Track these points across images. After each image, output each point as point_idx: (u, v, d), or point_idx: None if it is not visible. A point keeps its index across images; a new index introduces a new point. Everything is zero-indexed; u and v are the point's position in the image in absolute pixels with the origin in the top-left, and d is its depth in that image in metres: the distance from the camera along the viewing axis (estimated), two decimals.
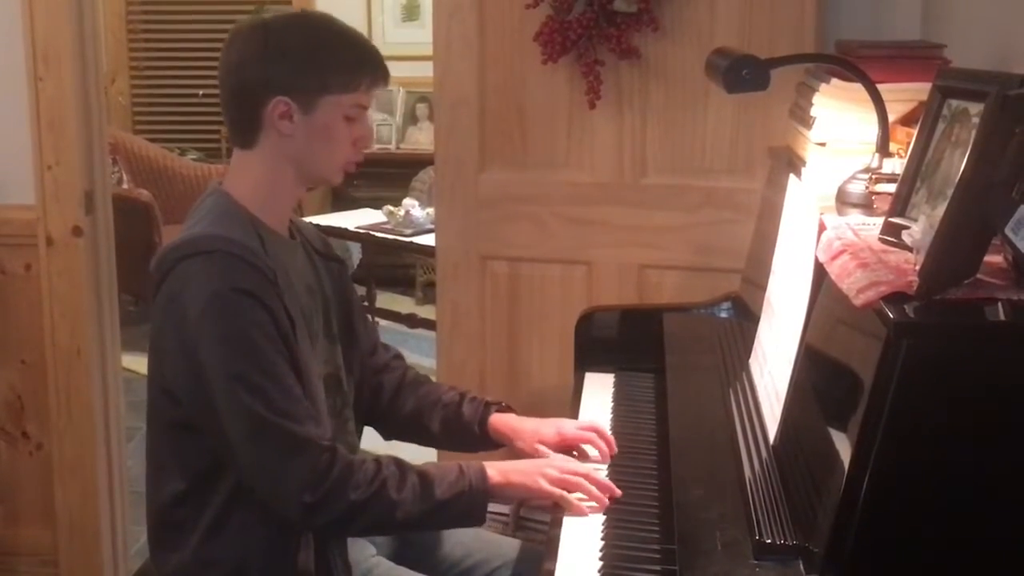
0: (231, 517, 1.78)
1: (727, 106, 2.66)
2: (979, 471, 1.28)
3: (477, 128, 2.85)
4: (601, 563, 1.61)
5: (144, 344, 1.82)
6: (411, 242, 5.25)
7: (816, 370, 1.61)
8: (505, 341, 2.92)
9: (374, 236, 5.41)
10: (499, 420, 2.01)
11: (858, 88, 1.96)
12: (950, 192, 1.39)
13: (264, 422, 1.68)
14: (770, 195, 2.29)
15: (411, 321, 5.41)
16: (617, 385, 2.28)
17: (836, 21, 2.73)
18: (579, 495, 1.77)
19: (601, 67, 2.69)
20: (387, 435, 2.12)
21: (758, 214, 2.42)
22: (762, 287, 2.03)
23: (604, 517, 1.74)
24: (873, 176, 1.86)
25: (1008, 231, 1.32)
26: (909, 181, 1.66)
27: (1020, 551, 1.29)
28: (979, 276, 1.40)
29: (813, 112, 2.09)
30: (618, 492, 1.78)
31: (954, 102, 1.62)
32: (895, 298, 1.35)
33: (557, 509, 1.77)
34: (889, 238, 1.58)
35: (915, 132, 1.70)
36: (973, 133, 1.44)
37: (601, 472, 1.87)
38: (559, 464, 1.83)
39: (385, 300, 6.02)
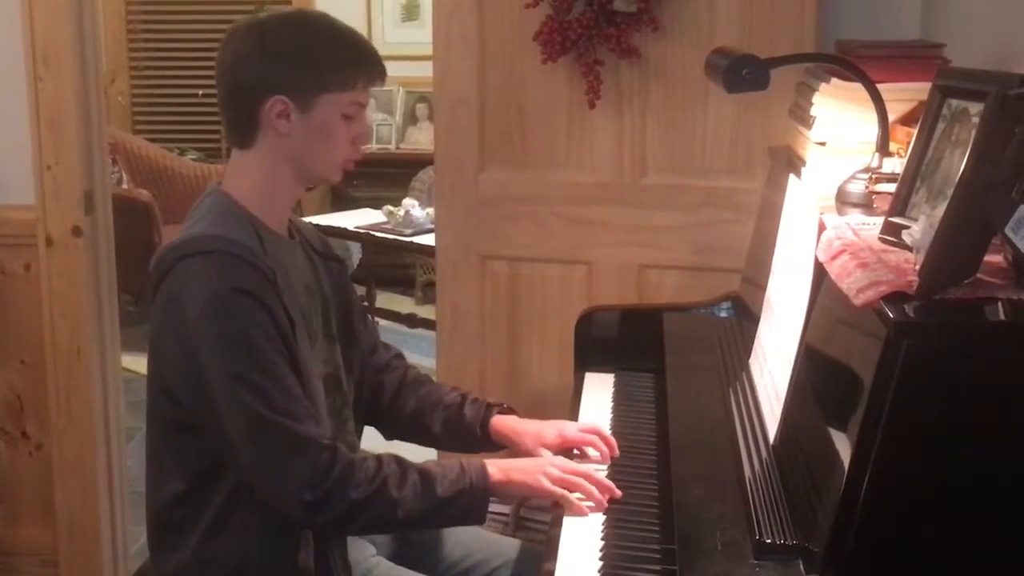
0: (231, 517, 1.78)
1: (727, 106, 2.66)
2: (979, 471, 1.28)
3: (477, 128, 2.85)
4: (601, 563, 1.61)
5: (144, 344, 1.82)
6: (411, 242, 5.25)
7: (816, 370, 1.61)
8: (505, 341, 2.92)
9: (374, 236, 5.41)
10: (501, 422, 2.01)
11: (858, 88, 1.95)
12: (950, 192, 1.39)
13: (264, 421, 1.68)
14: (770, 195, 2.29)
15: (411, 321, 5.41)
16: (617, 385, 2.28)
17: (836, 21, 2.73)
18: (579, 495, 1.77)
19: (601, 67, 2.69)
20: (388, 435, 2.12)
21: (758, 214, 2.42)
22: (762, 287, 2.03)
23: (604, 517, 1.74)
24: (873, 176, 1.86)
25: (1008, 231, 1.32)
26: (909, 181, 1.66)
27: (1020, 551, 1.29)
28: (979, 276, 1.40)
29: (813, 112, 2.09)
30: (618, 493, 1.78)
31: (954, 102, 1.62)
32: (895, 298, 1.35)
33: (557, 508, 1.77)
34: (889, 238, 1.58)
35: (915, 132, 1.70)
36: (973, 133, 1.44)
37: (601, 472, 1.87)
38: (560, 463, 1.83)
39: (385, 300, 6.02)
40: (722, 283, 2.48)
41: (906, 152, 1.74)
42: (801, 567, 1.39)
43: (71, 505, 3.05)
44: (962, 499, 1.29)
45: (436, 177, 2.96)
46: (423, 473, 1.75)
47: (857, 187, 1.88)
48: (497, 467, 1.79)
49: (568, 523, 1.73)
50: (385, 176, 6.36)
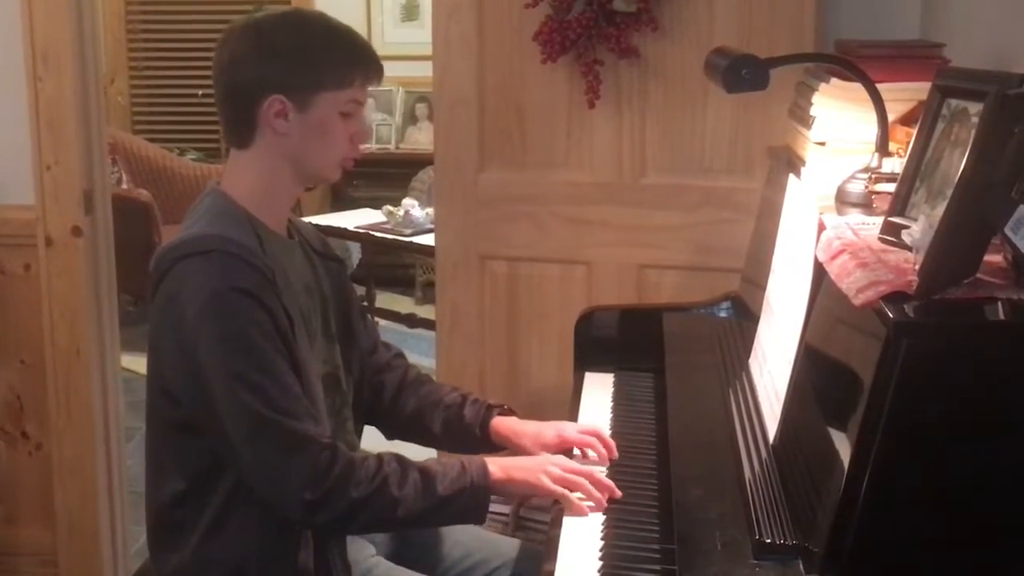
0: (230, 517, 1.78)
1: (726, 106, 2.66)
2: (979, 470, 1.28)
3: (476, 128, 2.85)
4: (601, 563, 1.61)
5: (143, 344, 1.82)
6: (410, 242, 5.25)
7: (816, 370, 1.61)
8: (504, 341, 2.92)
9: (373, 236, 5.41)
10: (501, 423, 2.01)
11: (857, 88, 1.96)
12: (949, 192, 1.39)
13: (264, 420, 1.68)
14: (769, 195, 2.29)
15: (410, 321, 5.41)
16: (617, 385, 2.28)
17: (835, 20, 2.73)
18: (579, 495, 1.77)
19: (600, 67, 2.69)
20: (389, 435, 2.12)
21: (757, 214, 2.42)
22: (762, 287, 2.03)
23: (604, 517, 1.74)
24: (872, 176, 1.86)
25: (1008, 230, 1.32)
26: (908, 181, 1.66)
27: (1020, 550, 1.29)
28: (979, 275, 1.40)
29: (812, 112, 2.09)
30: (618, 493, 1.78)
31: (953, 101, 1.62)
32: (895, 297, 1.35)
33: (557, 508, 1.77)
34: (888, 238, 1.58)
35: (914, 132, 1.70)
36: (972, 132, 1.44)
37: (601, 472, 1.87)
38: (561, 462, 1.83)
39: (385, 300, 6.02)
40: (722, 283, 2.48)
41: (906, 152, 1.74)
42: (801, 567, 1.39)
43: (71, 505, 3.05)
44: (962, 499, 1.29)
45: (436, 177, 2.96)
46: (424, 471, 1.75)
47: (857, 187, 1.88)
48: (498, 465, 1.79)
49: (568, 523, 1.73)
50: (385, 176, 6.36)
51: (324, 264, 1.98)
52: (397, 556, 1.97)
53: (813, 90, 2.11)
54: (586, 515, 1.74)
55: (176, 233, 1.82)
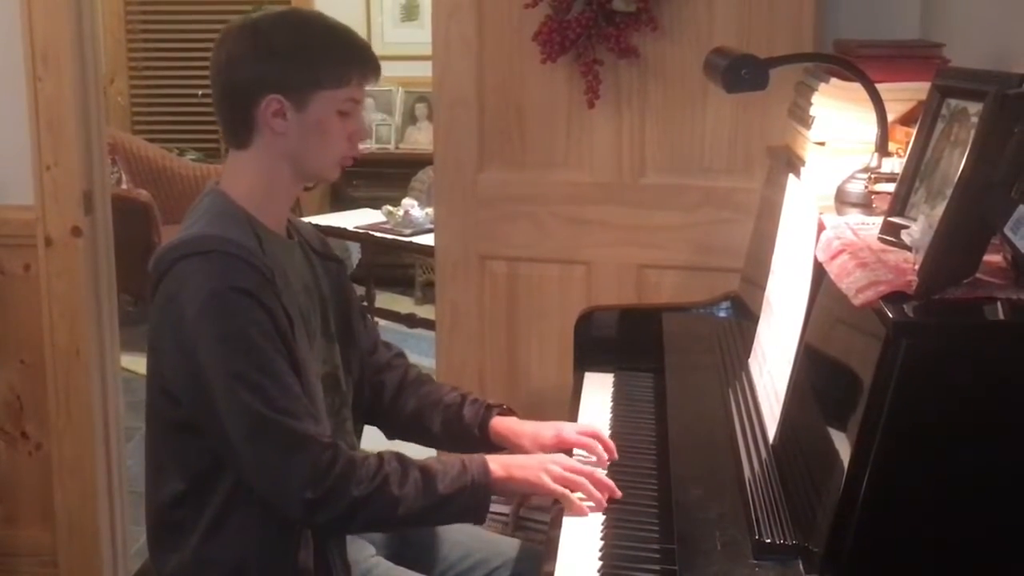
0: (230, 517, 1.78)
1: (726, 106, 2.66)
2: (978, 470, 1.28)
3: (476, 128, 2.85)
4: (601, 563, 1.61)
5: (143, 344, 1.82)
6: (410, 242, 5.25)
7: (815, 370, 1.61)
8: (504, 341, 2.92)
9: (373, 236, 5.41)
10: (499, 423, 2.01)
11: (857, 87, 1.96)
12: (949, 191, 1.39)
13: (264, 420, 1.68)
14: (769, 195, 2.29)
15: (410, 321, 5.41)
16: (616, 385, 2.28)
17: (835, 20, 2.73)
18: (579, 495, 1.77)
19: (600, 67, 2.69)
20: (389, 435, 2.12)
21: (757, 214, 2.42)
22: (761, 287, 2.03)
23: (604, 517, 1.74)
24: (872, 176, 1.86)
25: (1007, 230, 1.32)
26: (908, 181, 1.66)
27: (1020, 550, 1.29)
28: (978, 275, 1.40)
29: (812, 111, 2.09)
30: (618, 493, 1.78)
31: (953, 101, 1.62)
32: (894, 297, 1.35)
33: (556, 508, 1.77)
34: (888, 237, 1.58)
35: (914, 131, 1.70)
36: (972, 132, 1.44)
37: (601, 472, 1.86)
38: (562, 461, 1.83)
39: (384, 300, 6.02)
40: (721, 283, 2.48)
41: (905, 152, 1.74)
42: (800, 567, 1.39)
43: (70, 505, 3.05)
44: (961, 499, 1.29)
45: (435, 177, 2.96)
46: (424, 470, 1.75)
47: (856, 187, 1.88)
48: (499, 464, 1.79)
49: (568, 523, 1.73)
50: (384, 176, 6.36)
51: (323, 264, 1.98)
52: (397, 556, 1.97)
53: (813, 90, 2.11)
54: (586, 515, 1.74)
55: (176, 233, 1.82)
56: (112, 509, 3.11)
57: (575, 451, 1.94)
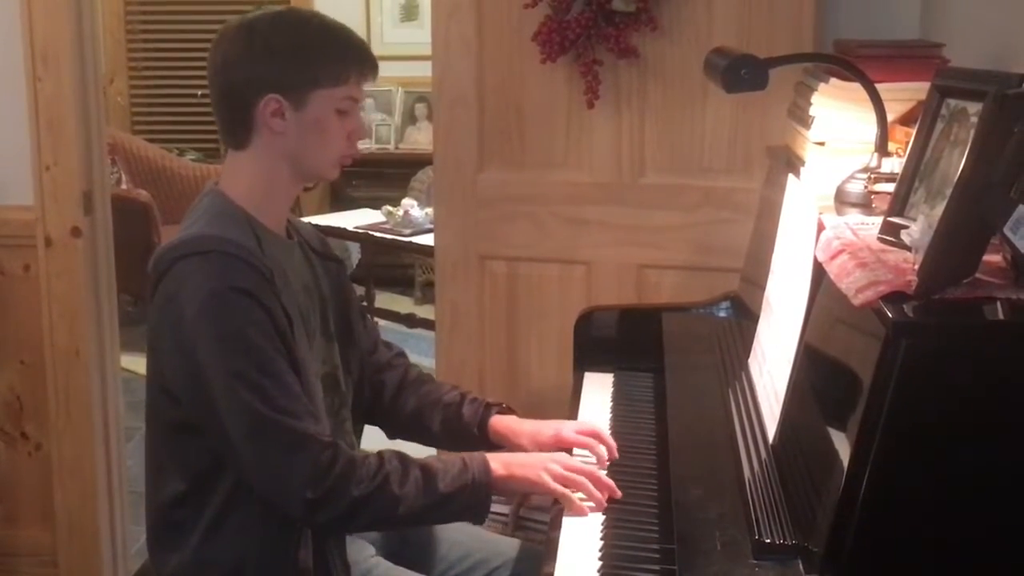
0: (230, 517, 1.78)
1: (726, 106, 2.66)
2: (978, 470, 1.28)
3: (476, 128, 2.85)
4: (600, 563, 1.61)
5: (143, 344, 1.82)
6: (410, 242, 5.25)
7: (815, 370, 1.61)
8: (504, 341, 2.92)
9: (373, 236, 5.41)
10: (499, 422, 2.01)
11: (857, 87, 1.96)
12: (949, 191, 1.39)
13: (264, 419, 1.68)
14: (769, 194, 2.29)
15: (410, 321, 5.42)
16: (616, 385, 2.28)
17: (835, 20, 2.73)
18: (580, 494, 1.77)
19: (599, 67, 2.69)
20: (390, 434, 2.12)
21: (757, 214, 2.42)
22: (761, 287, 2.03)
23: (603, 517, 1.74)
24: (872, 175, 1.86)
25: (1007, 230, 1.32)
26: (908, 180, 1.66)
27: (1019, 550, 1.29)
28: (978, 275, 1.40)
29: (812, 111, 2.09)
30: (618, 493, 1.78)
31: (953, 101, 1.62)
32: (894, 297, 1.35)
33: (556, 508, 1.77)
34: (888, 237, 1.58)
35: (914, 131, 1.70)
36: (972, 132, 1.44)
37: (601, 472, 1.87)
38: (563, 460, 1.83)
39: (384, 300, 6.02)
40: (721, 283, 2.48)
41: (905, 152, 1.74)
42: (800, 567, 1.39)
43: (70, 505, 3.05)
44: (961, 499, 1.29)
45: (435, 177, 2.96)
46: (425, 469, 1.75)
47: (856, 187, 1.88)
48: (499, 462, 1.79)
49: (567, 523, 1.73)
50: (384, 176, 6.36)
51: (323, 264, 1.98)
52: (396, 556, 1.97)
53: (812, 90, 2.11)
54: (586, 515, 1.74)
55: (175, 233, 1.82)
56: (112, 509, 3.12)
57: (576, 451, 1.94)
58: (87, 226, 2.97)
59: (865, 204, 1.85)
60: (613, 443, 1.95)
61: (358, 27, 5.89)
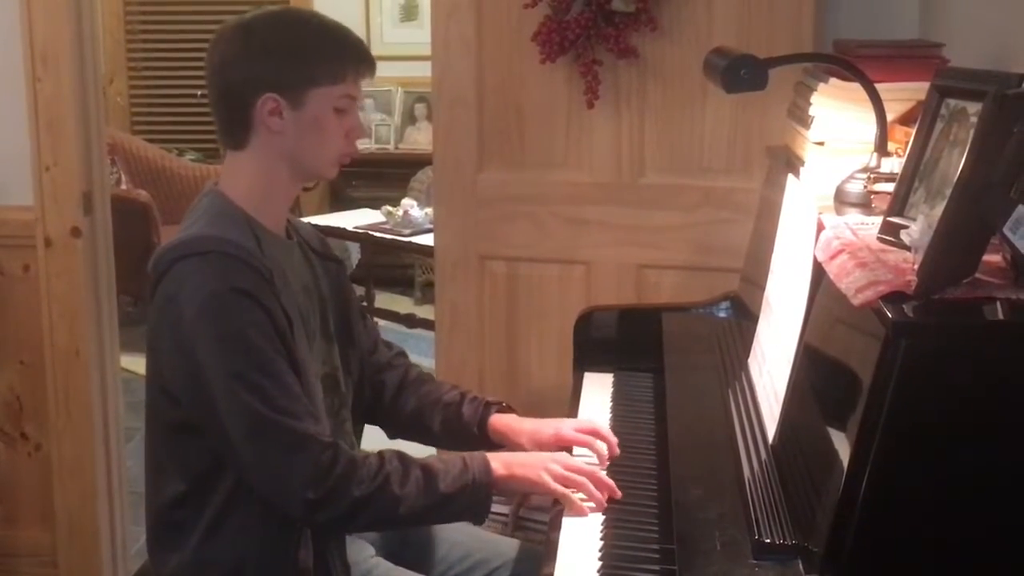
0: (230, 517, 1.78)
1: (725, 106, 2.66)
2: (978, 470, 1.28)
3: (475, 128, 2.85)
4: (600, 563, 1.61)
5: (143, 345, 1.82)
6: (410, 242, 5.26)
7: (815, 370, 1.61)
8: (504, 341, 2.92)
9: (373, 236, 5.42)
10: (498, 421, 2.01)
11: (856, 87, 1.96)
12: (948, 191, 1.39)
13: (264, 420, 1.68)
14: (768, 194, 2.29)
15: (410, 321, 5.42)
16: (616, 385, 2.28)
17: (834, 20, 2.73)
18: (580, 495, 1.77)
19: (599, 67, 2.69)
20: (391, 434, 2.12)
21: (756, 214, 2.42)
22: (761, 287, 2.03)
23: (603, 517, 1.74)
24: (871, 175, 1.86)
25: (1006, 230, 1.32)
26: (907, 180, 1.66)
27: (1019, 550, 1.29)
28: (977, 275, 1.40)
29: (811, 111, 2.09)
30: (618, 493, 1.78)
31: (952, 101, 1.62)
32: (893, 297, 1.35)
33: (556, 508, 1.77)
34: (887, 237, 1.58)
35: (913, 131, 1.70)
36: (971, 132, 1.44)
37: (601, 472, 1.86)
38: (563, 460, 1.83)
39: (384, 300, 6.02)
40: (721, 283, 2.48)
41: (904, 152, 1.74)
42: (800, 567, 1.39)
43: (70, 506, 3.05)
44: (961, 499, 1.29)
45: (435, 177, 2.96)
46: (425, 469, 1.75)
47: (856, 187, 1.88)
48: (500, 462, 1.79)
49: (567, 523, 1.73)
50: (384, 176, 6.36)
51: (323, 264, 1.98)
52: (396, 556, 1.97)
53: (812, 90, 2.11)
54: (586, 515, 1.74)
55: (175, 233, 1.82)
56: (112, 509, 3.11)
57: (576, 449, 1.94)
58: (87, 226, 2.97)
59: (865, 204, 1.85)
60: (614, 439, 1.94)
61: (358, 27, 5.89)
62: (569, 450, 1.94)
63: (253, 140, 1.81)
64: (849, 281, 1.46)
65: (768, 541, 1.43)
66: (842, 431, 1.37)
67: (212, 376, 1.69)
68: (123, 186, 5.72)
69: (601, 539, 1.68)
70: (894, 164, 1.84)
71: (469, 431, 2.02)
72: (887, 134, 1.93)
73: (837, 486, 1.32)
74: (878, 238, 1.60)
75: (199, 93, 6.41)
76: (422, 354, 4.46)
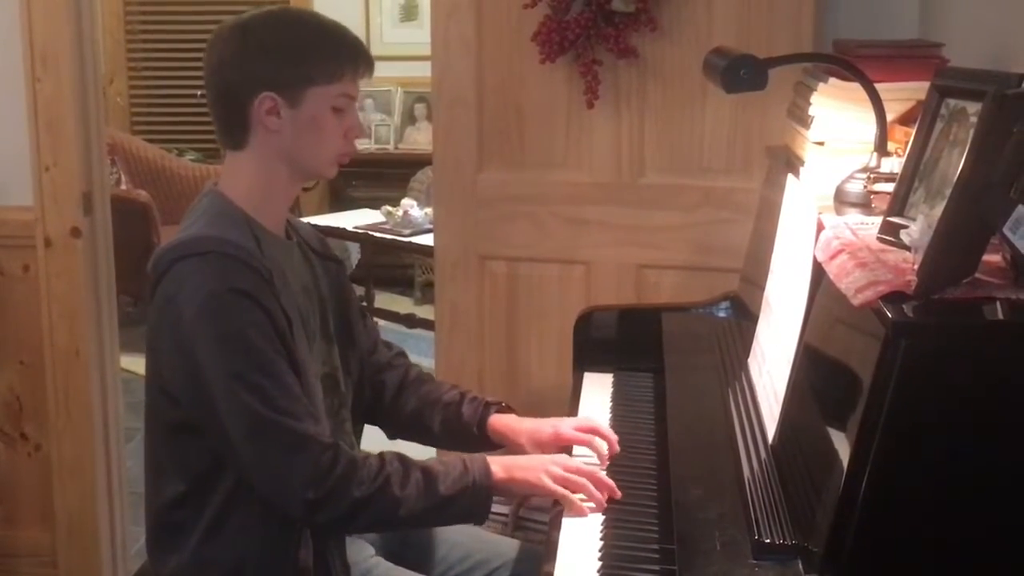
0: (230, 518, 1.78)
1: (725, 106, 2.66)
2: (978, 470, 1.28)
3: (475, 128, 2.85)
4: (600, 563, 1.61)
5: (143, 345, 1.82)
6: (409, 242, 5.26)
7: (815, 370, 1.61)
8: (504, 341, 2.92)
9: (373, 236, 5.42)
10: (498, 420, 2.01)
11: (856, 87, 1.96)
12: (948, 191, 1.39)
13: (264, 420, 1.68)
14: (768, 194, 2.29)
15: (410, 321, 5.42)
16: (616, 385, 2.28)
17: (834, 20, 2.73)
18: (580, 495, 1.77)
19: (599, 67, 2.69)
20: (391, 434, 2.12)
21: (756, 213, 2.42)
22: (761, 287, 2.03)
23: (603, 517, 1.74)
24: (871, 175, 1.86)
25: (1006, 230, 1.32)
26: (907, 180, 1.66)
27: (1019, 550, 1.29)
28: (977, 275, 1.40)
29: (811, 111, 2.09)
30: (618, 493, 1.78)
31: (952, 101, 1.62)
32: (893, 297, 1.35)
33: (556, 509, 1.77)
34: (887, 237, 1.58)
35: (913, 131, 1.70)
36: (971, 132, 1.44)
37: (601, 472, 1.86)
38: (562, 462, 1.83)
39: (384, 300, 6.02)
40: (721, 283, 2.48)
41: (904, 152, 1.74)
42: (800, 567, 1.39)
43: (70, 506, 3.05)
44: (961, 499, 1.29)
45: (434, 177, 2.96)
46: (426, 471, 1.75)
47: (855, 187, 1.88)
48: (499, 464, 1.79)
49: (567, 523, 1.73)
50: (383, 176, 6.37)
51: (323, 264, 1.98)
52: (396, 557, 1.97)
53: (812, 90, 2.11)
54: (586, 515, 1.74)
55: (175, 234, 1.82)
56: (112, 510, 3.11)
57: (576, 449, 1.94)
58: (87, 226, 2.97)
59: (864, 204, 1.85)
60: (613, 436, 1.94)
61: (357, 27, 5.90)
62: (569, 449, 1.94)
63: (251, 140, 1.81)
64: (849, 281, 1.46)
65: (768, 541, 1.43)
66: (842, 431, 1.37)
67: (212, 376, 1.69)
68: (123, 186, 5.72)
69: (601, 539, 1.68)
70: (894, 164, 1.84)
71: (469, 431, 2.02)
72: (887, 134, 1.93)
73: (837, 486, 1.32)
74: (878, 238, 1.60)
75: (199, 93, 6.37)
76: (422, 354, 4.46)
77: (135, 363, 3.78)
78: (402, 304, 6.15)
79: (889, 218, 1.62)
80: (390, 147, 6.60)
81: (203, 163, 6.34)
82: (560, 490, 1.77)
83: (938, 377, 1.27)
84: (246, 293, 1.70)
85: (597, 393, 2.25)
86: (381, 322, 5.39)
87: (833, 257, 1.58)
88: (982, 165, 1.34)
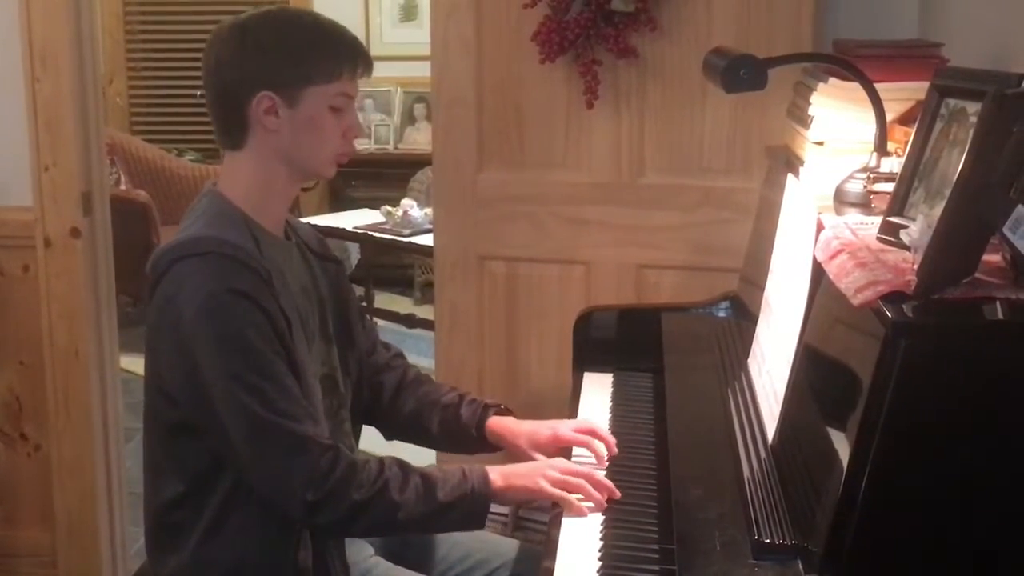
0: (229, 518, 1.78)
1: (725, 106, 2.66)
2: (977, 470, 1.28)
3: (475, 128, 2.85)
4: (600, 563, 1.61)
5: (142, 345, 1.82)
6: (409, 242, 5.26)
7: (814, 370, 1.61)
8: (503, 341, 2.92)
9: (372, 236, 5.41)
10: (496, 423, 2.01)
11: (856, 87, 1.96)
12: (948, 191, 1.39)
13: (263, 422, 1.68)
14: (768, 194, 2.29)
15: (409, 321, 5.41)
16: (616, 385, 2.28)
17: (834, 20, 2.73)
18: (579, 496, 1.77)
19: (599, 67, 2.69)
20: (388, 435, 2.12)
21: (756, 213, 2.42)
22: (760, 287, 2.03)
23: (603, 517, 1.74)
24: (871, 175, 1.87)
25: (1006, 230, 1.32)
26: (907, 180, 1.66)
27: (1019, 549, 1.29)
28: (977, 275, 1.40)
29: (811, 111, 2.09)
30: (617, 493, 1.78)
31: (952, 101, 1.62)
32: (893, 297, 1.35)
33: (556, 509, 1.77)
34: (887, 237, 1.58)
35: (913, 131, 1.70)
36: (971, 132, 1.44)
37: (599, 472, 1.86)
38: (559, 465, 1.83)
39: (383, 300, 6.02)
40: (720, 283, 2.48)
41: (904, 152, 1.74)
42: (800, 567, 1.39)
43: (70, 506, 3.05)
44: (960, 499, 1.29)
45: (434, 177, 2.96)
46: (425, 477, 1.75)
47: (855, 187, 1.88)
48: (498, 472, 1.79)
49: (567, 523, 1.73)
50: (383, 176, 6.36)
51: (322, 265, 1.98)
52: (396, 557, 1.97)
53: (811, 90, 2.11)
54: (586, 515, 1.74)
55: (174, 234, 1.82)
56: (111, 510, 3.11)
57: (575, 451, 1.94)
58: (86, 227, 2.97)
59: (864, 204, 1.85)
60: (611, 439, 1.95)
61: (357, 27, 5.90)
62: (567, 451, 1.94)
63: (250, 140, 1.81)
64: (849, 281, 1.46)
65: (768, 541, 1.43)
66: (842, 431, 1.37)
67: (211, 377, 1.69)
68: (122, 186, 5.71)
69: (601, 539, 1.68)
70: (893, 164, 1.84)
71: (467, 433, 2.02)
72: (887, 134, 1.93)
73: (837, 486, 1.32)
74: (878, 238, 1.60)
75: (199, 93, 6.37)
76: (422, 354, 4.46)
77: (135, 363, 3.78)
78: (402, 304, 6.15)
79: (889, 218, 1.62)
80: (390, 147, 6.60)
81: (202, 163, 6.34)
82: (558, 492, 1.77)
83: (938, 377, 1.27)
84: (245, 294, 1.70)
85: (597, 393, 2.25)
86: (381, 322, 5.39)
87: (833, 257, 1.58)
88: (982, 165, 1.34)
